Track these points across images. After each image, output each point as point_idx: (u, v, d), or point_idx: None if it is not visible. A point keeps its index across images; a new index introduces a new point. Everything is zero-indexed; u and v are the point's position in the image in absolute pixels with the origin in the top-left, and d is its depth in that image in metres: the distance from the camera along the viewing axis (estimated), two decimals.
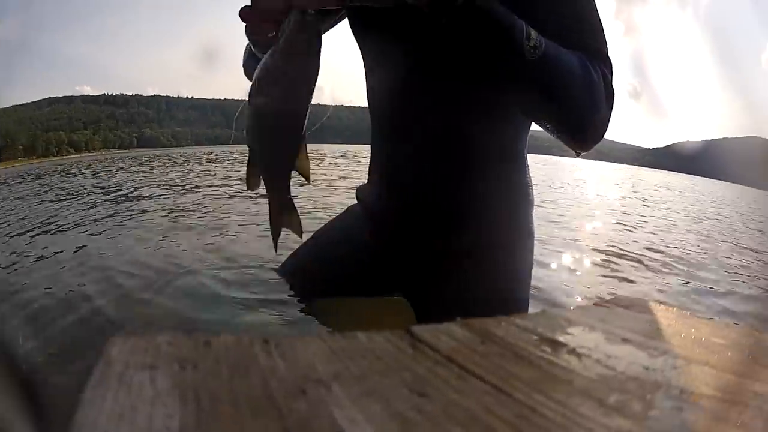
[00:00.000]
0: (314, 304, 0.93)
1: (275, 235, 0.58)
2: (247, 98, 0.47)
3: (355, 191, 0.92)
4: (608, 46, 0.62)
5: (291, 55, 0.46)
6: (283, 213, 0.55)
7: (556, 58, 0.55)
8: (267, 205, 0.56)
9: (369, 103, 0.79)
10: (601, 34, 0.62)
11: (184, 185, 4.06)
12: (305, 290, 0.93)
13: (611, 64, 0.61)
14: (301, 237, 0.61)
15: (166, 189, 3.79)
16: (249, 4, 0.51)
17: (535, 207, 0.80)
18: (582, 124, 0.59)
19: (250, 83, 0.50)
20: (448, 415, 0.19)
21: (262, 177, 0.52)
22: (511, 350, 0.26)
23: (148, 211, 2.54)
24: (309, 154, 0.51)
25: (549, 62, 0.54)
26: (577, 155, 0.66)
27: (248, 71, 0.78)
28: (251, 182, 0.52)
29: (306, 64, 0.46)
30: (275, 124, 0.48)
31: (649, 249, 2.27)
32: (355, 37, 0.78)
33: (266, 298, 1.01)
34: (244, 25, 0.53)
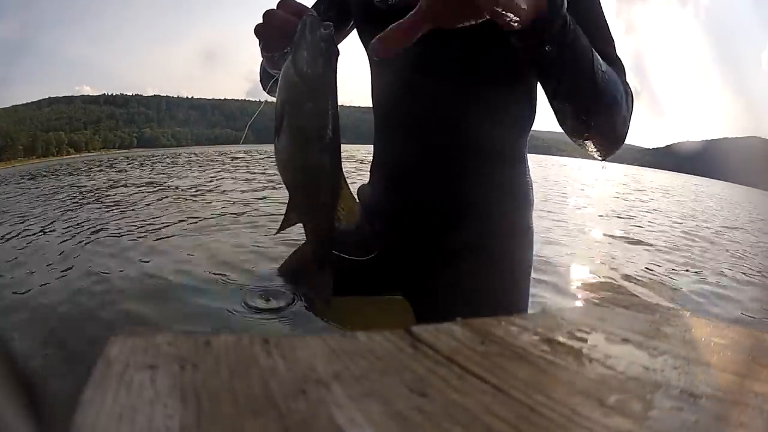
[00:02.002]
0: (314, 304, 0.93)
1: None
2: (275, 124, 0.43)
3: (356, 191, 0.92)
4: (617, 50, 0.64)
5: (308, 63, 0.42)
6: (317, 268, 0.49)
7: (614, 81, 0.56)
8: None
9: (373, 103, 0.79)
10: (612, 39, 0.63)
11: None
12: (304, 291, 0.93)
13: (625, 68, 0.63)
14: (328, 303, 0.59)
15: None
16: (262, 21, 0.50)
17: (534, 206, 0.80)
18: (620, 136, 0.62)
19: (255, 86, 0.49)
20: (448, 415, 0.19)
21: (303, 223, 0.47)
22: (511, 350, 0.26)
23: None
24: None
25: (610, 85, 0.55)
26: (602, 159, 0.68)
27: (263, 82, 0.79)
28: (283, 226, 0.47)
29: (325, 74, 0.43)
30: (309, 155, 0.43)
31: (649, 249, 2.27)
32: (360, 36, 0.78)
33: (266, 298, 1.01)
34: (259, 42, 0.53)
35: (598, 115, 0.57)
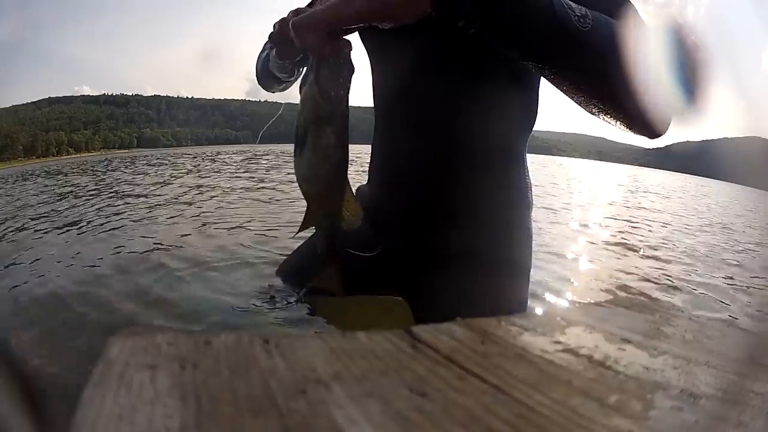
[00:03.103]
0: (314, 304, 0.93)
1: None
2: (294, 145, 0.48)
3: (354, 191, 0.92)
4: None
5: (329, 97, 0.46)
6: (326, 264, 0.55)
7: (608, 25, 0.46)
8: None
9: (374, 102, 0.80)
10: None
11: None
12: (303, 290, 0.93)
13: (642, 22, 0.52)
14: (341, 293, 0.60)
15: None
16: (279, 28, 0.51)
17: (533, 207, 0.80)
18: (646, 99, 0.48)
19: (255, 86, 0.50)
20: (448, 415, 0.19)
21: (317, 227, 0.53)
22: (511, 350, 0.26)
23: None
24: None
25: (604, 31, 0.45)
26: (652, 138, 0.54)
27: (262, 81, 0.79)
28: (301, 230, 0.53)
29: (343, 101, 0.46)
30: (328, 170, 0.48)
31: (649, 250, 2.27)
32: (360, 35, 0.78)
33: (266, 298, 1.01)
34: (272, 48, 0.53)
35: (598, 75, 0.47)
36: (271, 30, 0.53)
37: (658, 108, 0.48)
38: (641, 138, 0.53)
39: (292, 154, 0.49)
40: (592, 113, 0.52)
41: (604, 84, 0.47)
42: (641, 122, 0.50)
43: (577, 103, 0.52)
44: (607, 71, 0.46)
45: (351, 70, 0.47)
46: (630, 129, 0.52)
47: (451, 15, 0.44)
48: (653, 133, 0.52)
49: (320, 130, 0.46)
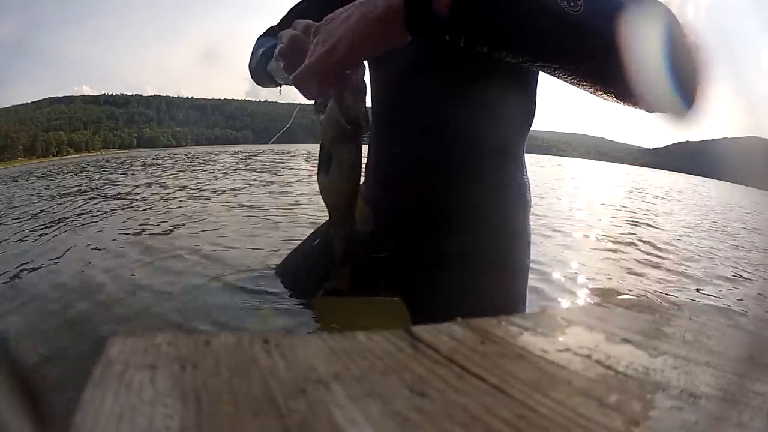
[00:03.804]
0: (313, 304, 0.93)
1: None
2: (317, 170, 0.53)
3: None
4: None
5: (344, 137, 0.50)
6: (341, 266, 0.62)
7: (603, 2, 0.44)
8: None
9: (372, 104, 0.80)
10: None
11: None
12: (303, 290, 0.93)
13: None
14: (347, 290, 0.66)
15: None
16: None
17: (532, 207, 0.80)
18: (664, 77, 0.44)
19: (255, 86, 0.52)
20: (448, 415, 0.19)
21: (334, 231, 0.58)
22: (511, 350, 0.26)
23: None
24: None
25: (596, 8, 0.43)
26: (678, 121, 0.49)
27: (257, 79, 0.80)
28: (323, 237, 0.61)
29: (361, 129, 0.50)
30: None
31: (649, 249, 2.27)
32: None
33: (266, 298, 1.01)
34: (281, 62, 0.55)
35: (595, 56, 0.44)
36: (281, 46, 0.53)
37: (664, 89, 0.44)
38: (671, 118, 0.49)
39: (316, 170, 0.53)
40: (608, 100, 0.49)
41: (608, 66, 0.44)
42: (658, 104, 0.47)
43: (591, 93, 0.49)
44: (608, 52, 0.43)
45: (365, 90, 0.51)
46: (651, 111, 0.49)
47: (430, 36, 0.44)
48: (677, 112, 0.48)
49: (343, 148, 0.50)
